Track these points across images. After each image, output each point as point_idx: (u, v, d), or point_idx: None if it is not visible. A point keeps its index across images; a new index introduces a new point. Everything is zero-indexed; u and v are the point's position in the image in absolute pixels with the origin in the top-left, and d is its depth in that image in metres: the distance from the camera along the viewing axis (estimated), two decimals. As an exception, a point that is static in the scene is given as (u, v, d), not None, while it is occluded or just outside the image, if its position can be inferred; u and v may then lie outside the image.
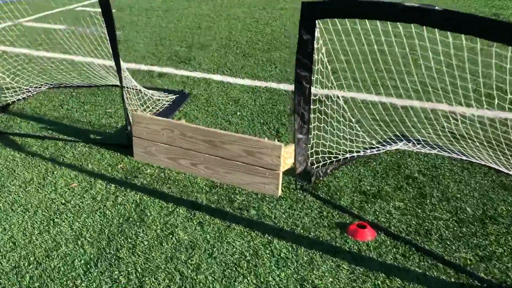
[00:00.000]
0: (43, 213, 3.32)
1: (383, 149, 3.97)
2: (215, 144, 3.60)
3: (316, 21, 2.93)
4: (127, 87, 4.66)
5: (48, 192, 3.56)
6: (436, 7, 2.39)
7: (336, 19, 3.04)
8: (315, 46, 3.01)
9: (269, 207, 3.34)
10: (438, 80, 3.83)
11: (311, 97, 3.21)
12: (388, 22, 3.02)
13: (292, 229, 3.11)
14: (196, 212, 3.30)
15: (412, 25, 2.62)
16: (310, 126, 3.37)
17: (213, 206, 3.37)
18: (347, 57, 4.00)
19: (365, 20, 2.90)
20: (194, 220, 3.22)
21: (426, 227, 3.13)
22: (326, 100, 4.01)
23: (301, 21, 2.97)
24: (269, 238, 3.03)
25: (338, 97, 3.93)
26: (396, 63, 4.35)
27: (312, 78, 3.12)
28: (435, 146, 3.99)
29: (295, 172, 3.50)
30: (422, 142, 4.08)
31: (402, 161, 3.90)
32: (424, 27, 2.63)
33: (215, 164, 3.65)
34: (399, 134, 4.23)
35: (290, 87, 5.46)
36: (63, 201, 3.44)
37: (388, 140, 4.14)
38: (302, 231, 3.09)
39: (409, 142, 4.09)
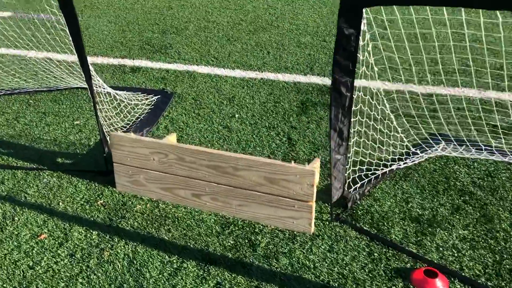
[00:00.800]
0: (5, 285, 2.47)
1: (424, 156, 3.27)
2: (224, 171, 2.80)
3: (363, 10, 2.13)
4: (100, 95, 3.76)
5: (9, 250, 2.70)
6: None
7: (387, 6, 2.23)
8: (360, 43, 2.22)
9: (304, 251, 2.60)
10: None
11: (352, 108, 2.45)
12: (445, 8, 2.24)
13: (342, 284, 2.39)
14: (210, 268, 2.52)
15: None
16: (350, 143, 2.61)
17: (230, 255, 2.60)
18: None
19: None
20: (210, 281, 2.44)
21: (508, 267, 2.46)
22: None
23: (342, 10, 2.17)
24: (316, 302, 2.30)
25: (379, 94, 3.13)
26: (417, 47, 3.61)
27: (354, 84, 2.35)
28: (481, 147, 3.32)
29: (331, 200, 2.76)
30: (467, 142, 3.39)
31: (449, 170, 3.21)
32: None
33: (225, 195, 2.86)
34: (435, 133, 3.53)
35: (290, 78, 4.66)
36: (31, 264, 2.60)
37: (427, 140, 3.43)
38: (354, 285, 2.38)
39: (450, 144, 3.40)
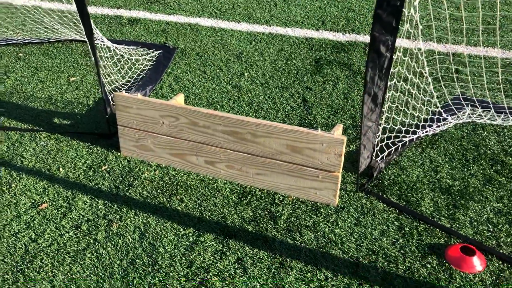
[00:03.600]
0: (6, 260, 2.26)
1: (453, 122, 3.06)
2: (242, 137, 2.57)
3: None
4: (99, 49, 3.44)
5: (8, 221, 2.47)
6: None
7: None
8: (407, -5, 1.95)
9: (329, 224, 2.43)
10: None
11: (390, 70, 2.20)
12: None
13: (372, 261, 2.23)
14: (229, 241, 2.34)
15: None
16: (383, 109, 2.38)
17: (250, 228, 2.41)
18: None
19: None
20: (230, 256, 2.26)
21: (546, 243, 2.32)
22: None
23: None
24: (346, 281, 2.14)
25: (421, 55, 2.85)
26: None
27: (395, 44, 2.09)
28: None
29: (357, 170, 2.56)
30: (493, 106, 3.18)
31: (477, 136, 3.02)
32: None
33: (241, 163, 2.64)
34: (459, 96, 3.31)
35: (301, 33, 4.35)
36: (33, 236, 2.39)
37: (454, 103, 3.20)
38: (386, 263, 2.22)
39: (478, 108, 3.19)
